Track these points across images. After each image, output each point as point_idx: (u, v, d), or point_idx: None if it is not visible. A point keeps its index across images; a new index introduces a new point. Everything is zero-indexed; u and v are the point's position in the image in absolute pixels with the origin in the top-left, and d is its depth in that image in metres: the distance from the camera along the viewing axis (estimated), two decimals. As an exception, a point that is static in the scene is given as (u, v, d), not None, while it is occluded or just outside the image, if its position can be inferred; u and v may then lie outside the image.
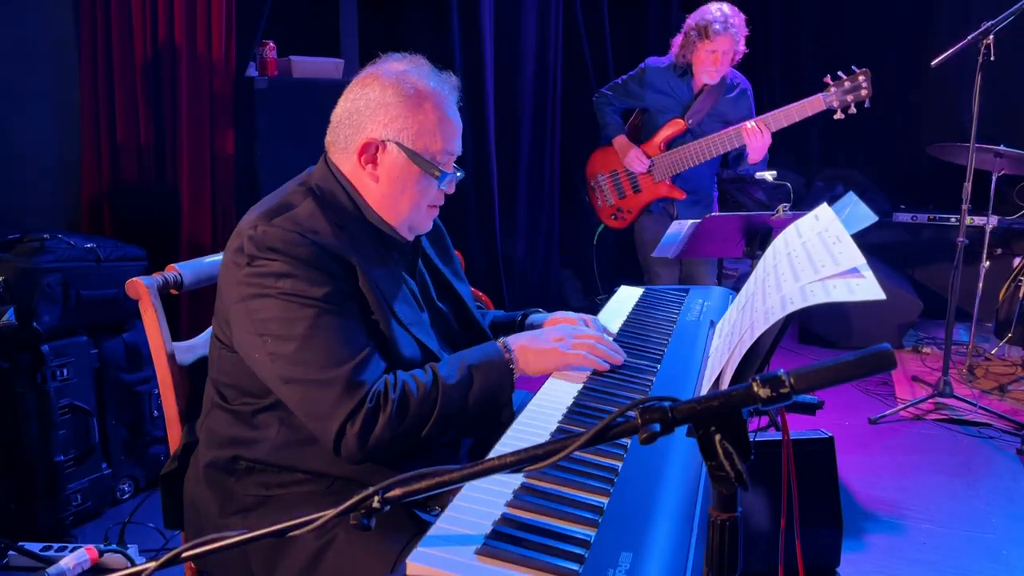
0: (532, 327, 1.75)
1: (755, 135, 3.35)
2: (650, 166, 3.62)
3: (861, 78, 3.25)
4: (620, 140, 3.69)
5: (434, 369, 1.40)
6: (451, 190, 1.54)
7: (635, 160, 3.62)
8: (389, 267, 1.49)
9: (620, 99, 3.75)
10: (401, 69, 1.47)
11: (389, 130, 1.44)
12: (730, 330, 1.31)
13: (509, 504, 1.04)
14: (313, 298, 1.34)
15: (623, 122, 3.78)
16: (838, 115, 3.30)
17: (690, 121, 3.54)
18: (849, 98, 3.27)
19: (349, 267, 1.39)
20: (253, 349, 1.37)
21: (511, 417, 1.37)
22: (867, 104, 3.27)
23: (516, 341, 1.47)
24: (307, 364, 1.32)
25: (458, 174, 1.53)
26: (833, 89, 3.29)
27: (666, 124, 3.58)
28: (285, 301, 1.33)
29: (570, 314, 1.74)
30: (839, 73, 3.28)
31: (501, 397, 1.41)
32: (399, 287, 1.49)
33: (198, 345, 1.66)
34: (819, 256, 1.08)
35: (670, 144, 3.59)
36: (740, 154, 3.52)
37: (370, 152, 1.46)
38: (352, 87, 1.49)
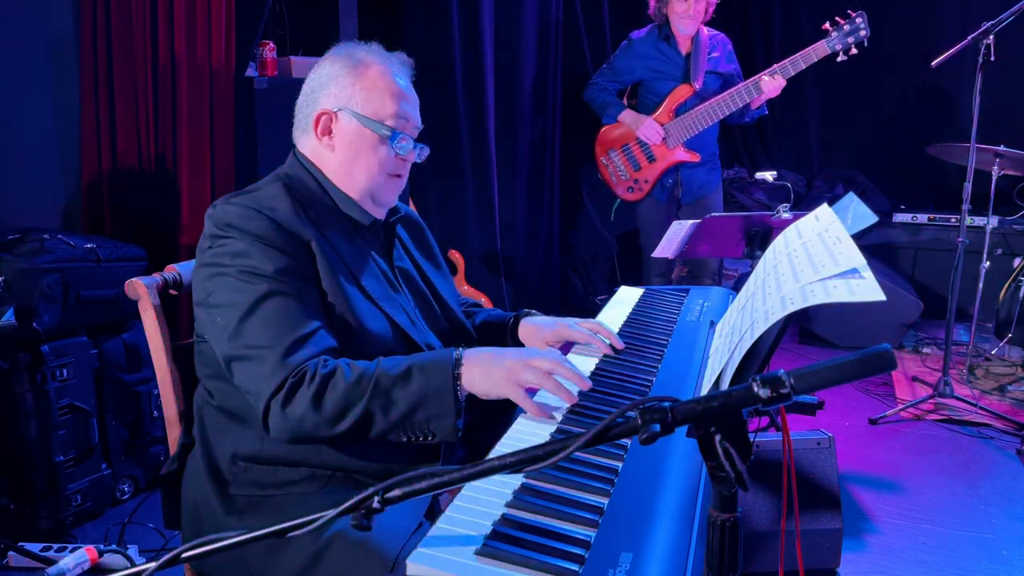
0: (527, 330, 1.75)
1: (772, 86, 3.50)
2: (664, 134, 3.71)
3: (859, 20, 3.45)
4: (627, 114, 3.80)
5: (379, 360, 1.35)
6: (411, 158, 1.55)
7: (650, 130, 3.70)
8: (355, 244, 1.51)
9: (611, 80, 3.89)
10: (350, 46, 1.55)
11: (340, 99, 1.50)
12: (730, 330, 1.31)
13: (509, 504, 1.04)
14: (263, 274, 1.35)
15: (621, 100, 3.89)
16: (840, 57, 3.49)
17: (696, 84, 3.67)
18: (850, 40, 3.46)
19: (304, 245, 1.41)
20: (206, 328, 1.40)
21: (453, 433, 1.31)
22: (866, 44, 3.46)
23: (471, 354, 1.35)
24: (246, 338, 1.33)
25: (420, 145, 1.55)
26: (834, 34, 3.48)
27: (673, 91, 3.71)
28: (237, 278, 1.35)
29: (574, 322, 1.70)
30: (836, 19, 3.48)
31: (439, 406, 1.31)
32: (366, 263, 1.51)
33: (198, 345, 1.66)
34: (819, 256, 1.08)
35: (679, 110, 3.70)
36: (745, 105, 3.65)
37: (324, 123, 1.51)
38: (308, 75, 1.55)
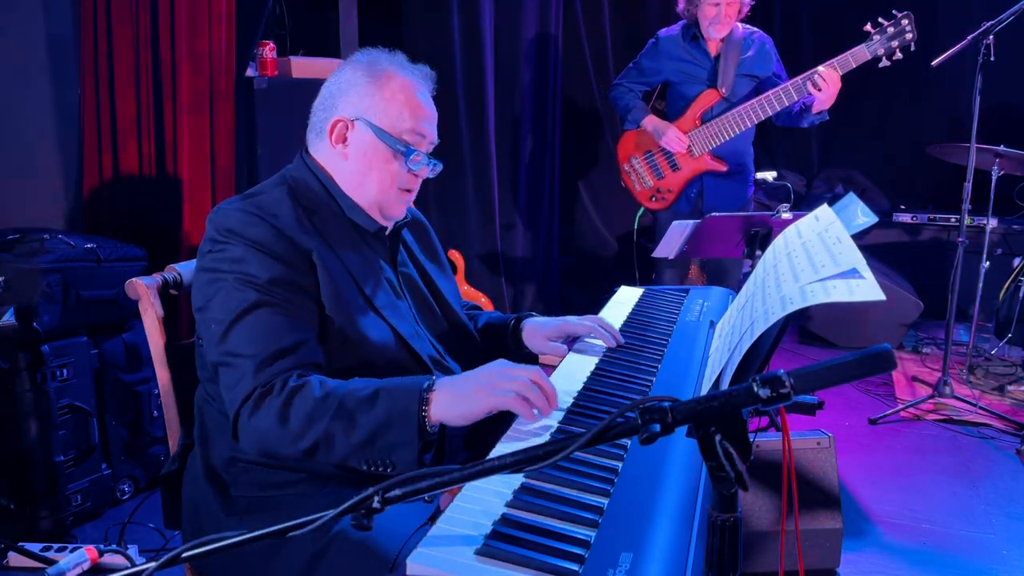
0: (528, 329, 1.75)
1: (829, 80, 3.18)
2: (687, 142, 3.50)
3: (905, 21, 3.13)
4: (651, 120, 3.55)
5: (353, 379, 1.33)
6: (423, 174, 1.53)
7: (673, 140, 3.47)
8: (361, 251, 1.50)
9: (636, 82, 3.66)
10: (374, 54, 1.52)
11: (358, 108, 1.47)
12: (730, 330, 1.31)
13: (509, 504, 1.04)
14: (256, 283, 1.34)
15: (646, 104, 3.68)
16: (883, 63, 3.19)
17: (723, 90, 3.44)
18: (894, 44, 3.15)
19: (304, 256, 1.39)
20: (203, 331, 1.39)
21: (415, 465, 1.25)
22: (912, 48, 3.15)
23: (443, 382, 1.29)
24: (229, 345, 1.33)
25: (433, 161, 1.52)
26: (876, 37, 3.16)
27: (699, 97, 3.48)
28: (233, 284, 1.35)
29: (576, 319, 1.72)
30: (879, 20, 3.17)
31: (401, 433, 1.25)
32: (372, 271, 1.50)
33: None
34: (819, 256, 1.08)
35: (706, 116, 3.48)
36: (804, 107, 3.35)
37: (340, 131, 1.48)
38: (328, 78, 1.53)
